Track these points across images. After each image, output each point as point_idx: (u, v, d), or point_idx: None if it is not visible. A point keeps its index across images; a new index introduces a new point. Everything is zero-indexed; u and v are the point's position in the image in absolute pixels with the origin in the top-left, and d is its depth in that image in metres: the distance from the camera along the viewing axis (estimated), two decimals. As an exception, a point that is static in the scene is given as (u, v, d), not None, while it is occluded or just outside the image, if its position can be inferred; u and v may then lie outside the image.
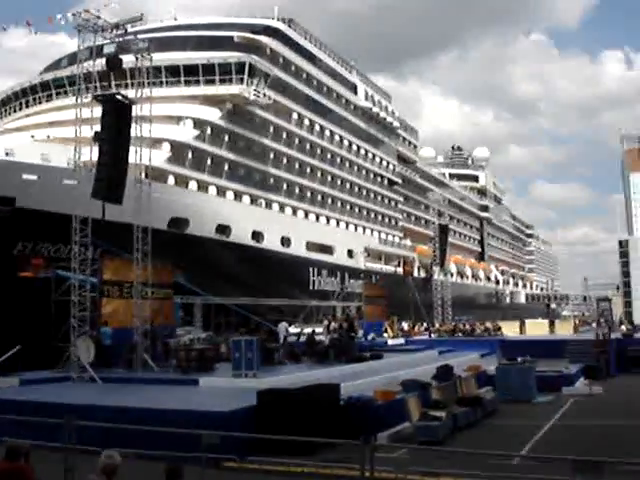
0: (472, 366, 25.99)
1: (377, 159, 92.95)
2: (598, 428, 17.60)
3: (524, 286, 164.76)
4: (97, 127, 24.18)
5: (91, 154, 24.80)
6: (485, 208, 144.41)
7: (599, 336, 31.14)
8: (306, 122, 74.04)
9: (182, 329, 34.22)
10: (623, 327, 48.83)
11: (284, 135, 69.41)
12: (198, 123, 57.48)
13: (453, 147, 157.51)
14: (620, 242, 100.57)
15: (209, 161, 58.51)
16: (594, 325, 57.87)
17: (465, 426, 17.69)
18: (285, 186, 69.69)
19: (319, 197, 76.49)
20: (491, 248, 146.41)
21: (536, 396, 23.16)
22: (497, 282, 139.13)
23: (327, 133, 79.08)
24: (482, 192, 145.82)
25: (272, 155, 67.44)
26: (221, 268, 52.67)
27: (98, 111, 24.41)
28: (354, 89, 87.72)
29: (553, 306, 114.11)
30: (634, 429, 17.04)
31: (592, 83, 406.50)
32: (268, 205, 66.49)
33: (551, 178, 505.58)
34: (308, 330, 39.12)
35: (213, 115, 58.88)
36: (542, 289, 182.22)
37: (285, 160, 69.68)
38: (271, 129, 67.10)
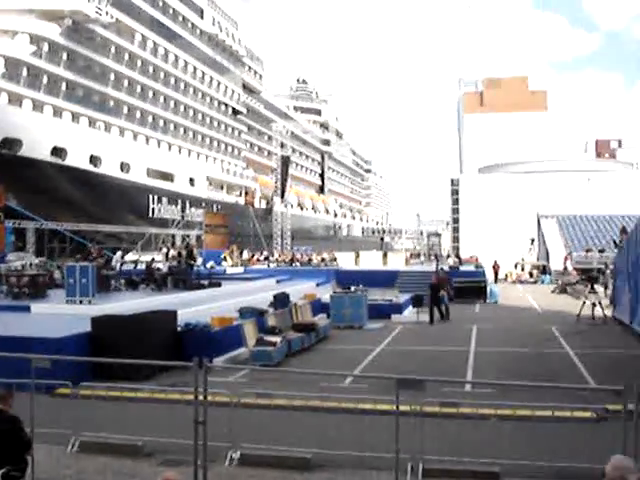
0: (308, 294, 26.80)
1: (222, 87, 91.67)
2: (422, 352, 18.80)
3: (361, 219, 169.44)
4: None
5: None
6: (327, 142, 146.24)
7: (440, 272, 32.06)
8: (150, 44, 71.71)
9: (13, 255, 32.87)
10: (450, 260, 51.49)
11: (126, 57, 66.98)
12: (35, 39, 54.32)
13: (298, 80, 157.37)
14: (452, 180, 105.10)
15: (45, 80, 55.62)
16: (422, 258, 60.82)
17: (300, 351, 18.35)
18: (126, 110, 67.59)
19: (161, 123, 74.77)
20: (331, 181, 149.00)
21: (368, 323, 24.29)
22: (335, 215, 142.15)
23: (171, 57, 76.99)
24: (325, 126, 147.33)
25: (113, 77, 65.05)
26: (56, 192, 50.83)
27: None
28: (201, 13, 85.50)
29: (387, 239, 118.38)
30: (454, 353, 18.33)
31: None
32: (107, 129, 64.36)
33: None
34: (146, 258, 38.66)
35: (51, 31, 55.75)
36: (377, 223, 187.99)
37: (126, 83, 67.42)
38: (113, 49, 64.55)
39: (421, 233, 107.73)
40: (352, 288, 26.84)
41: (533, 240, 65.48)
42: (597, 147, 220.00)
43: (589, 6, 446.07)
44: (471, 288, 35.03)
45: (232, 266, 45.88)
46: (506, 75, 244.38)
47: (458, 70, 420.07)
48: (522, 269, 56.08)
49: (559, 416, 10.27)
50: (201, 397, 8.01)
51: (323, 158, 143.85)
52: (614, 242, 43.73)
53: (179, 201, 71.99)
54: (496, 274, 50.72)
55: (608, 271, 33.67)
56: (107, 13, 59.30)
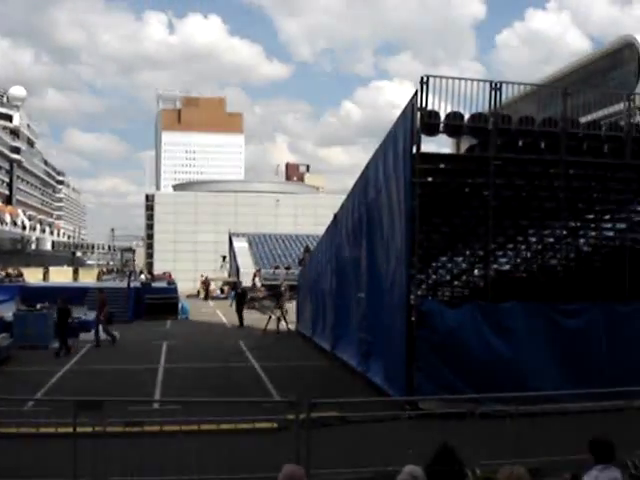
0: (-11, 313, 25.20)
1: None
2: (111, 371, 18.56)
3: (51, 233, 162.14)
4: None
5: None
6: (17, 150, 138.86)
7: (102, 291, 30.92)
8: None
9: None
10: (143, 276, 51.34)
11: None
12: None
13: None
14: (147, 196, 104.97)
15: None
16: (115, 274, 60.08)
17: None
18: None
19: None
20: (20, 192, 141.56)
21: (54, 342, 23.34)
22: (24, 227, 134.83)
23: None
24: (15, 133, 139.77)
25: None
26: None
27: None
28: None
29: (79, 254, 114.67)
30: (143, 371, 18.31)
31: (134, 41, 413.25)
32: None
33: (86, 128, 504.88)
34: None
35: None
36: (69, 237, 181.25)
37: None
38: None
39: (114, 249, 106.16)
40: (38, 306, 25.70)
41: (225, 257, 67.16)
42: (287, 170, 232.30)
43: (283, 37, 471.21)
44: (163, 305, 35.22)
45: None
46: (204, 95, 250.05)
47: (156, 86, 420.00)
48: (209, 285, 57.12)
49: (242, 428, 10.73)
50: None
51: (12, 167, 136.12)
52: (299, 260, 46.56)
53: None
54: (207, 291, 51.75)
55: (282, 288, 35.00)
56: None
